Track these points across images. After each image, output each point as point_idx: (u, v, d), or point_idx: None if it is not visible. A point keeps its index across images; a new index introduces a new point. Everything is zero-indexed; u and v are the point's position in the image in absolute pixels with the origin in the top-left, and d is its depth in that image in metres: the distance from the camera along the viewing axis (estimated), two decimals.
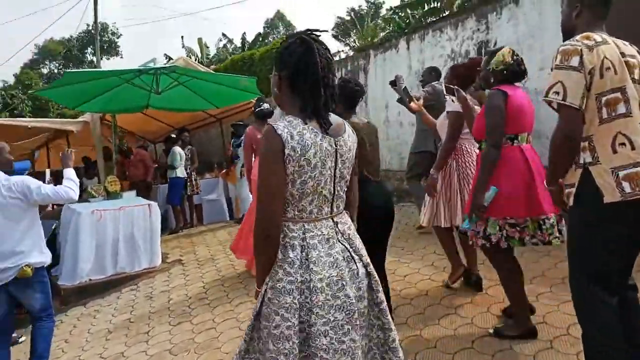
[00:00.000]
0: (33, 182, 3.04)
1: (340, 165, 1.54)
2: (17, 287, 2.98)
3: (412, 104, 4.04)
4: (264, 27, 31.65)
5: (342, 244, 1.55)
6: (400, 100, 4.26)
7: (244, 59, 12.32)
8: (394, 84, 4.19)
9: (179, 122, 9.45)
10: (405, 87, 4.16)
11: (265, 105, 5.39)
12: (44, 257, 3.13)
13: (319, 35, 1.56)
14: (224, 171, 8.96)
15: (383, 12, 28.53)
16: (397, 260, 4.52)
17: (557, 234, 2.52)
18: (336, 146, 1.52)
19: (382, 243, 2.89)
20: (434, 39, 6.84)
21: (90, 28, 26.65)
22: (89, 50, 32.24)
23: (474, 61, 3.37)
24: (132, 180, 8.10)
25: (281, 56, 1.55)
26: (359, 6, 29.55)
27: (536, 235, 2.52)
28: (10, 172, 3.09)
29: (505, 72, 2.63)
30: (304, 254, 1.47)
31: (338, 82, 2.89)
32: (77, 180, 3.36)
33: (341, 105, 2.83)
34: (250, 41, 24.51)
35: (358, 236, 1.68)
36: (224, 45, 26.14)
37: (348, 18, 28.94)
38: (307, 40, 1.50)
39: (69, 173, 3.34)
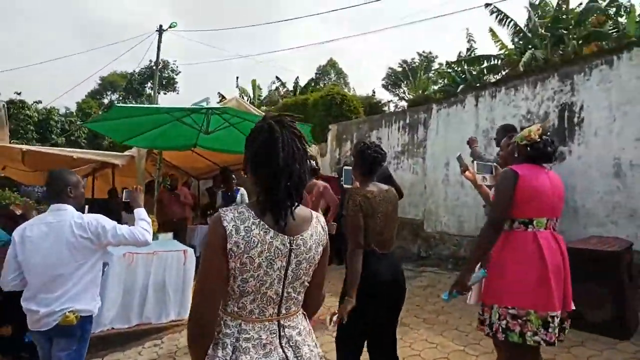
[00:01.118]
0: (108, 222, 2.71)
1: (294, 266, 1.40)
2: (55, 334, 2.57)
3: (467, 173, 3.67)
4: (316, 74, 32.07)
5: (283, 351, 1.39)
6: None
7: (296, 104, 12.14)
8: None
9: (225, 161, 9.18)
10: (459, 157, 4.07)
11: (312, 163, 5.18)
12: (93, 305, 2.71)
13: (292, 121, 1.43)
14: None
15: (435, 65, 28.44)
16: (462, 351, 3.82)
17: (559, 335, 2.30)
18: (291, 245, 1.38)
19: (390, 321, 2.70)
20: (507, 97, 6.29)
21: (152, 64, 27.75)
22: (149, 84, 33.54)
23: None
24: (170, 219, 7.73)
25: (247, 139, 1.44)
26: (412, 59, 29.62)
27: (539, 333, 2.24)
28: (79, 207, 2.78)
29: (528, 148, 2.43)
30: (234, 355, 1.34)
31: (358, 147, 2.79)
32: (150, 221, 3.04)
33: (358, 171, 2.74)
34: (302, 85, 24.75)
35: (311, 343, 1.50)
36: (276, 88, 26.51)
37: (400, 69, 28.96)
38: (273, 127, 1.38)
39: (141, 213, 3.00)
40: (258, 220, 1.35)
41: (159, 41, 20.86)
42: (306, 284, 1.48)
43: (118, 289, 4.98)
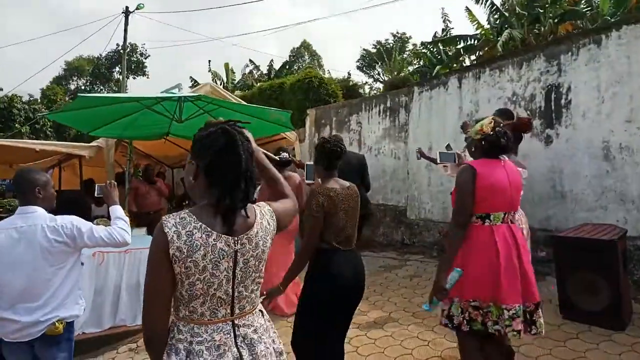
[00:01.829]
0: (84, 224, 2.53)
1: (242, 265, 1.43)
2: (41, 344, 2.41)
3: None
4: (289, 56, 31.50)
5: (238, 350, 1.42)
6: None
7: (272, 87, 11.73)
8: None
9: None
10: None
11: (284, 155, 5.24)
12: (78, 308, 2.57)
13: (242, 127, 1.51)
14: None
15: (409, 46, 28.31)
16: (456, 348, 3.66)
17: (519, 328, 2.30)
18: (236, 246, 1.42)
19: (345, 316, 2.72)
20: (491, 79, 6.10)
21: (119, 48, 26.67)
22: (117, 69, 32.36)
23: (523, 121, 3.22)
24: (147, 211, 7.32)
25: (200, 144, 1.45)
26: (385, 40, 29.44)
27: (499, 322, 2.32)
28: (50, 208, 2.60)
29: (482, 142, 2.49)
30: (188, 359, 1.37)
31: (317, 142, 2.83)
32: (127, 219, 2.84)
33: (319, 166, 2.76)
34: (277, 68, 24.22)
35: (268, 339, 1.53)
36: (250, 72, 25.90)
37: (374, 51, 28.75)
38: (230, 132, 1.43)
39: (117, 211, 2.82)
40: (200, 224, 1.37)
41: (126, 23, 20.01)
42: (258, 280, 1.51)
43: (88, 291, 4.64)
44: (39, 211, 2.46)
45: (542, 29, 13.94)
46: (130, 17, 19.93)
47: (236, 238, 1.41)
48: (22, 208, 2.46)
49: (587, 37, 4.98)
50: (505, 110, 4.43)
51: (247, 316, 1.48)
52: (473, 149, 2.60)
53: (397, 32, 29.74)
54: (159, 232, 1.37)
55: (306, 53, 33.51)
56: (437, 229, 6.91)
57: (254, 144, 1.64)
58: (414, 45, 28.10)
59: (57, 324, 2.37)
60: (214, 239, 1.37)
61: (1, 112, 21.18)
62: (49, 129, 22.75)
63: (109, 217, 3.03)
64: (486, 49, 15.53)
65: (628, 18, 4.88)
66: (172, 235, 1.34)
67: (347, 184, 2.74)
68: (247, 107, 6.11)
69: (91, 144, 6.99)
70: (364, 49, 29.78)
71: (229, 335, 1.42)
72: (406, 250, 7.31)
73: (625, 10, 12.48)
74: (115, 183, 3.02)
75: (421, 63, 21.70)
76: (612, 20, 10.60)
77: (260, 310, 1.55)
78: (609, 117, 4.74)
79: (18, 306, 2.36)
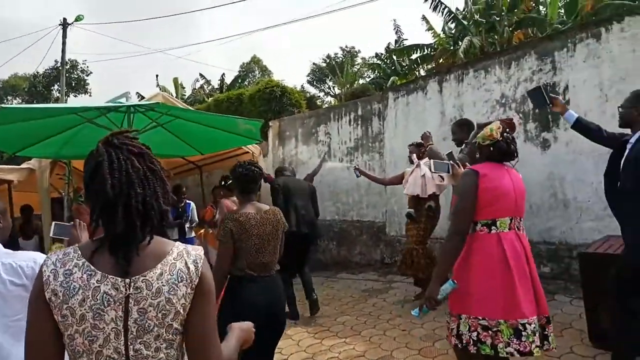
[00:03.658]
0: None
1: (137, 316, 1.08)
2: None
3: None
4: (239, 71, 30.87)
5: None
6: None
7: (229, 99, 10.95)
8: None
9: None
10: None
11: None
12: None
13: (132, 138, 1.17)
14: (202, 231, 7.26)
15: (358, 60, 28.52)
16: None
17: (538, 342, 2.14)
18: (128, 290, 1.08)
19: (266, 347, 2.56)
20: (476, 81, 5.65)
21: (58, 65, 24.97)
22: (56, 87, 30.46)
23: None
24: None
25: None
26: (335, 54, 29.67)
27: (511, 344, 2.12)
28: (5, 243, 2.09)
29: (492, 148, 2.37)
30: None
31: (232, 167, 2.81)
32: None
33: (237, 192, 2.78)
34: (228, 83, 23.44)
35: None
36: (201, 86, 24.98)
37: (324, 65, 28.74)
38: (99, 151, 1.13)
39: None
40: (82, 261, 1.09)
41: (64, 36, 18.64)
42: (168, 336, 1.12)
43: None
44: None
45: (497, 37, 14.01)
46: (69, 31, 18.62)
47: (129, 280, 1.09)
48: None
49: (585, 32, 4.61)
50: (464, 122, 4.40)
51: None
52: (478, 155, 2.44)
53: (346, 46, 30.10)
54: (39, 271, 1.11)
55: (256, 68, 33.08)
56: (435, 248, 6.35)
57: None
58: (363, 59, 28.50)
59: None
60: (97, 281, 1.07)
61: None
62: None
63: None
64: (441, 60, 15.51)
65: (632, 8, 4.56)
66: (49, 275, 1.08)
67: (266, 207, 2.70)
68: (210, 117, 5.35)
69: (21, 165, 5.99)
70: (313, 63, 29.87)
71: None
72: (387, 270, 6.70)
73: (576, 17, 12.70)
74: (84, 224, 2.37)
75: (375, 74, 21.73)
76: (563, 28, 10.65)
77: None
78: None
79: None
